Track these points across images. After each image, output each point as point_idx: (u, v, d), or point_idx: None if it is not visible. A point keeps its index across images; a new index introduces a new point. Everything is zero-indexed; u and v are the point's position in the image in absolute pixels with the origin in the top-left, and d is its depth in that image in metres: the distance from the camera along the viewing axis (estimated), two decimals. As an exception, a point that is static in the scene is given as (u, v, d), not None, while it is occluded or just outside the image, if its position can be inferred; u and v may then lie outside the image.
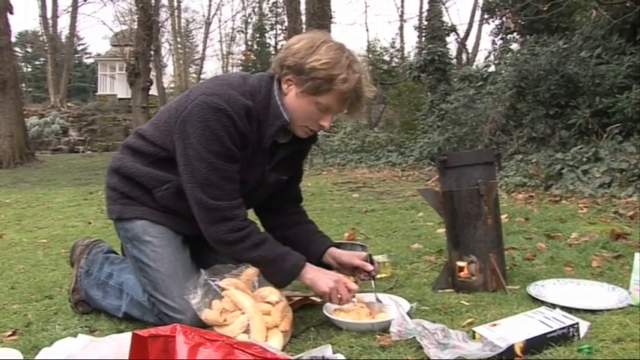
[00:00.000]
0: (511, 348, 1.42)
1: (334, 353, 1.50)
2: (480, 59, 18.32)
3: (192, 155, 1.72)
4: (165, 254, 1.84)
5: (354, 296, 1.84)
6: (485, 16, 11.69)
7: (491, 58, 11.69)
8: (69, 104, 23.83)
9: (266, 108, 1.79)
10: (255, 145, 1.81)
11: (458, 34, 16.51)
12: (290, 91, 1.79)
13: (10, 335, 1.90)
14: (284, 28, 23.28)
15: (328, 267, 2.00)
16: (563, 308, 1.70)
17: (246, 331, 1.60)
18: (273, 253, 1.77)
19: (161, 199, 1.86)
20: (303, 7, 15.67)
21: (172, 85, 31.67)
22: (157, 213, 1.88)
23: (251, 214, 2.16)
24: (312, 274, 1.80)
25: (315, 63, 1.71)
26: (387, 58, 19.01)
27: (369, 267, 2.01)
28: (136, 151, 1.91)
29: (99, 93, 27.18)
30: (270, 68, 1.87)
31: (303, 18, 15.03)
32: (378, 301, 1.92)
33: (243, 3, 29.68)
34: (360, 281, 2.03)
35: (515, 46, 10.29)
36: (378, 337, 1.65)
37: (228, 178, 1.75)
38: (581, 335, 1.54)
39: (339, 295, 1.78)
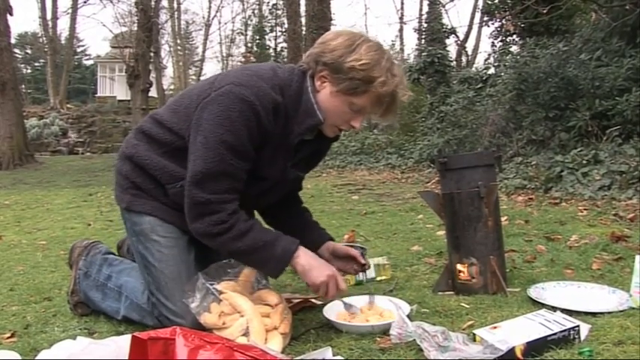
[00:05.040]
0: (512, 351, 1.42)
1: (334, 356, 1.50)
2: (479, 61, 18.36)
3: (202, 142, 1.64)
4: (170, 256, 1.81)
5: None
6: (485, 19, 11.68)
7: (491, 60, 11.70)
8: (68, 106, 23.86)
9: (296, 104, 1.72)
10: (281, 141, 1.74)
11: (457, 37, 16.55)
12: (323, 89, 1.72)
13: (8, 337, 1.90)
14: (284, 30, 23.34)
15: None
16: (563, 311, 1.70)
17: (246, 334, 1.60)
18: (260, 240, 1.67)
19: (174, 195, 1.78)
20: (303, 9, 15.73)
21: (172, 87, 31.70)
22: (167, 210, 1.83)
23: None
24: (305, 261, 1.71)
25: (355, 63, 1.64)
26: (386, 60, 19.00)
27: (362, 260, 2.02)
28: (151, 139, 1.83)
29: (98, 95, 27.19)
30: (302, 62, 1.79)
31: (303, 20, 15.07)
32: (348, 305, 1.89)
33: (243, 5, 29.75)
34: (353, 272, 2.07)
35: (514, 49, 10.31)
36: (378, 339, 1.65)
37: (232, 175, 1.66)
38: (582, 338, 1.53)
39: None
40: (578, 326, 1.54)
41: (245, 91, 1.64)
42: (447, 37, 13.54)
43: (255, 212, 2.08)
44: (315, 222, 2.12)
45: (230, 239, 1.66)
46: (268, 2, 26.73)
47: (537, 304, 1.86)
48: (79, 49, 37.18)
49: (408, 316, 1.70)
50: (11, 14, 13.00)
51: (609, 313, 1.74)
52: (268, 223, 2.11)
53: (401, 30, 23.17)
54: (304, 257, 1.71)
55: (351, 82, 1.66)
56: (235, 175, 1.68)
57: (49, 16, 25.75)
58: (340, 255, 2.03)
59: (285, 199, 2.07)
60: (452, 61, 13.36)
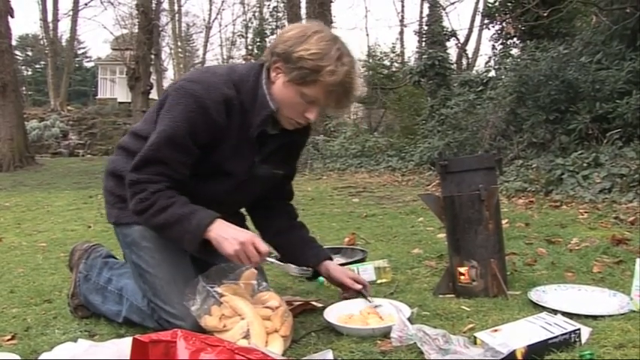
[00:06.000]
0: (512, 354, 1.42)
1: (335, 358, 1.50)
2: (480, 64, 18.35)
3: (154, 134, 1.73)
4: (163, 260, 1.82)
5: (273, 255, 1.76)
6: (486, 22, 11.69)
7: (492, 63, 11.67)
8: (69, 108, 23.84)
9: (253, 97, 1.76)
10: (242, 135, 1.77)
11: (458, 39, 16.57)
12: (278, 80, 1.74)
13: (9, 339, 1.90)
14: (284, 32, 23.28)
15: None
16: (564, 314, 1.70)
17: (246, 337, 1.60)
18: (176, 214, 1.68)
19: None
20: (303, 11, 15.73)
21: (172, 89, 31.63)
22: None
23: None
24: (217, 233, 1.66)
25: (304, 52, 1.67)
26: (387, 62, 19.04)
27: (357, 286, 2.01)
28: (129, 151, 1.88)
29: (99, 97, 27.18)
30: (263, 56, 1.84)
31: (304, 22, 15.07)
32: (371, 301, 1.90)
33: (244, 7, 29.71)
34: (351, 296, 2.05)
35: (515, 52, 10.30)
36: (378, 342, 1.65)
37: (165, 162, 1.70)
38: (583, 341, 1.54)
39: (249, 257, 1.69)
40: (579, 329, 1.54)
41: (194, 86, 1.70)
42: (448, 40, 13.56)
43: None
44: (310, 239, 2.12)
45: (152, 215, 1.70)
46: (269, 5, 26.72)
47: (538, 307, 1.86)
48: (79, 51, 37.19)
49: (408, 318, 1.70)
50: (12, 16, 13.01)
51: (610, 316, 1.74)
52: (267, 240, 2.12)
53: (401, 33, 23.17)
54: (216, 230, 1.67)
55: (300, 71, 1.68)
56: (169, 163, 1.71)
57: (50, 18, 25.76)
58: (335, 281, 2.06)
59: (274, 210, 2.10)
60: (452, 64, 13.38)
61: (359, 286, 2.02)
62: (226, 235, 1.66)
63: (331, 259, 2.09)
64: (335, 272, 2.04)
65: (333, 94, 1.73)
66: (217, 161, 1.79)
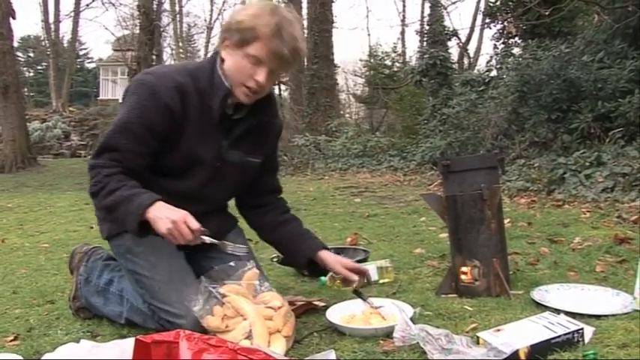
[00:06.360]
0: (515, 353, 1.42)
1: (337, 358, 1.49)
2: (481, 64, 18.30)
3: (111, 123, 1.80)
4: (158, 262, 1.84)
5: (206, 234, 1.72)
6: (487, 21, 11.67)
7: (493, 62, 11.64)
8: (71, 109, 23.88)
9: (211, 82, 1.79)
10: (204, 120, 1.80)
11: (459, 39, 16.54)
12: (226, 54, 1.78)
13: (12, 340, 1.90)
14: (286, 32, 23.28)
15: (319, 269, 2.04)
16: (567, 313, 1.69)
17: (249, 337, 1.60)
18: (121, 196, 1.70)
19: None
20: (304, 11, 15.74)
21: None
22: None
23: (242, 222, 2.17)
24: (154, 214, 1.67)
25: (243, 16, 1.73)
26: (388, 62, 19.03)
27: (354, 277, 1.99)
28: None
29: (101, 97, 27.20)
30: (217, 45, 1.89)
31: (305, 23, 15.07)
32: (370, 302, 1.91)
33: (245, 8, 29.69)
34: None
35: (517, 51, 10.28)
36: (381, 342, 1.64)
37: (117, 149, 1.74)
38: (586, 341, 1.53)
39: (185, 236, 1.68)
40: (582, 329, 1.53)
41: (147, 77, 1.78)
42: (449, 40, 13.52)
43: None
44: (304, 231, 2.11)
45: (103, 197, 1.73)
46: (270, 5, 26.73)
47: (541, 307, 1.85)
48: (81, 52, 37.21)
49: (411, 318, 1.69)
50: (14, 18, 13.04)
51: (613, 315, 1.74)
52: (265, 240, 2.16)
53: (403, 32, 23.03)
54: (153, 211, 1.67)
55: (240, 33, 1.73)
56: (122, 151, 1.75)
57: (51, 19, 25.79)
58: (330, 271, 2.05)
59: (264, 206, 2.10)
60: (454, 64, 13.35)
61: (355, 277, 1.99)
62: (161, 215, 1.67)
63: (327, 248, 2.06)
64: (329, 263, 2.00)
65: (276, 51, 1.72)
66: (186, 149, 1.81)
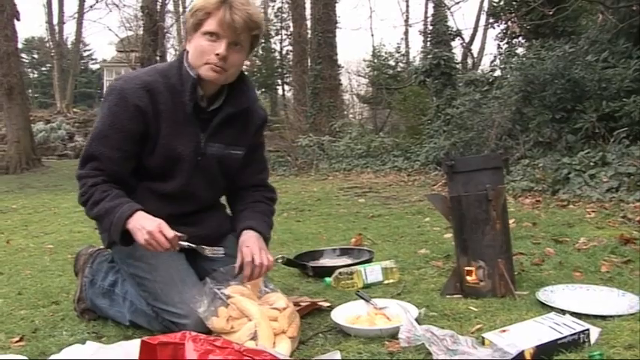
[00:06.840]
0: (521, 354, 1.41)
1: (342, 359, 1.49)
2: (485, 63, 18.33)
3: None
4: (158, 263, 1.84)
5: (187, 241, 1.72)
6: (491, 21, 11.68)
7: (497, 62, 11.65)
8: (75, 110, 23.89)
9: (181, 78, 1.82)
10: (179, 115, 1.81)
11: (463, 39, 16.55)
12: (189, 45, 1.82)
13: (17, 341, 1.90)
14: (289, 33, 23.35)
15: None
16: (572, 314, 1.69)
17: (254, 338, 1.60)
18: (104, 208, 1.74)
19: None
20: (308, 12, 15.76)
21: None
22: None
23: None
24: (133, 225, 1.70)
25: (194, 3, 1.77)
26: (392, 62, 19.04)
27: (247, 271, 1.78)
28: None
29: (105, 98, 27.23)
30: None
31: (309, 23, 15.10)
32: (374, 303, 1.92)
33: (248, 8, 29.70)
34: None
35: (520, 51, 10.27)
36: (386, 343, 1.64)
37: (96, 157, 1.78)
38: (592, 341, 1.53)
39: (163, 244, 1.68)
40: (588, 330, 1.53)
41: (117, 82, 1.82)
42: (453, 40, 13.56)
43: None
44: (253, 213, 1.99)
45: (89, 208, 1.79)
46: (273, 6, 26.79)
47: (546, 307, 1.85)
48: (85, 54, 37.27)
49: (416, 319, 1.69)
50: (18, 19, 13.07)
51: (619, 316, 1.73)
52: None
53: (406, 33, 23.02)
54: (133, 222, 1.71)
55: (193, 17, 1.76)
56: (101, 159, 1.78)
57: (55, 20, 25.83)
58: None
59: (248, 197, 2.06)
60: (458, 64, 13.33)
61: (247, 270, 1.79)
62: (139, 225, 1.69)
63: (253, 229, 1.92)
64: (240, 244, 1.87)
65: (227, 20, 1.72)
66: (164, 147, 1.82)
